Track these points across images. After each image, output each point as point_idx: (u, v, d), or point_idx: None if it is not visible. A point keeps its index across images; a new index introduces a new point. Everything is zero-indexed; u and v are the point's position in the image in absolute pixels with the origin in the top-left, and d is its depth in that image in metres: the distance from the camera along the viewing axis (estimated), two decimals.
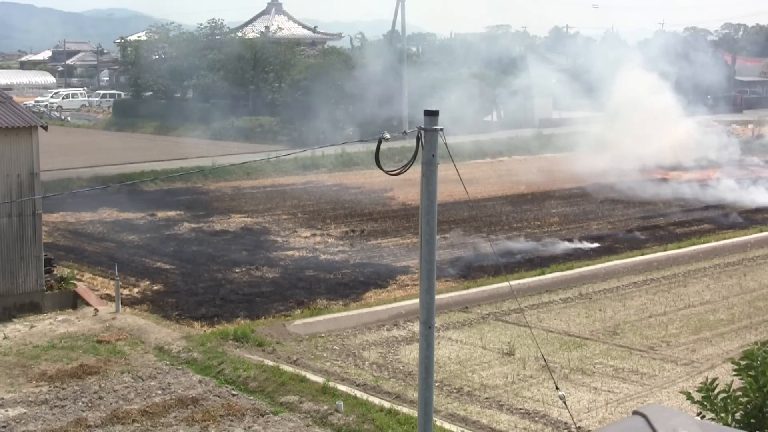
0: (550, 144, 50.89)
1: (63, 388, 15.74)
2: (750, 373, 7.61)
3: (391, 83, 54.32)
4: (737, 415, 7.61)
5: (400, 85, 54.74)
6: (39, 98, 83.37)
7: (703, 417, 7.60)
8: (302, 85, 56.78)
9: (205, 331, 19.03)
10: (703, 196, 36.70)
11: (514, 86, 57.83)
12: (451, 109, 45.71)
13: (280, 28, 76.45)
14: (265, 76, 62.57)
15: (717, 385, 7.74)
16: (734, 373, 7.83)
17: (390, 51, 59.13)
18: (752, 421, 7.54)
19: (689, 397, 7.90)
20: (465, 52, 65.62)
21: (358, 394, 15.25)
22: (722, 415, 7.59)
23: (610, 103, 48.53)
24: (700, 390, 7.79)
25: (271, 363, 16.68)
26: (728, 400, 7.62)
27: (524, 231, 29.71)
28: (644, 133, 43.99)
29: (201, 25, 69.46)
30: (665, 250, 26.80)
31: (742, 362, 7.73)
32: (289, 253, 26.56)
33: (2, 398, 15.28)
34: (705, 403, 7.71)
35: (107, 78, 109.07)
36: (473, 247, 26.94)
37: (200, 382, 16.11)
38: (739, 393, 7.61)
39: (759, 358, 7.65)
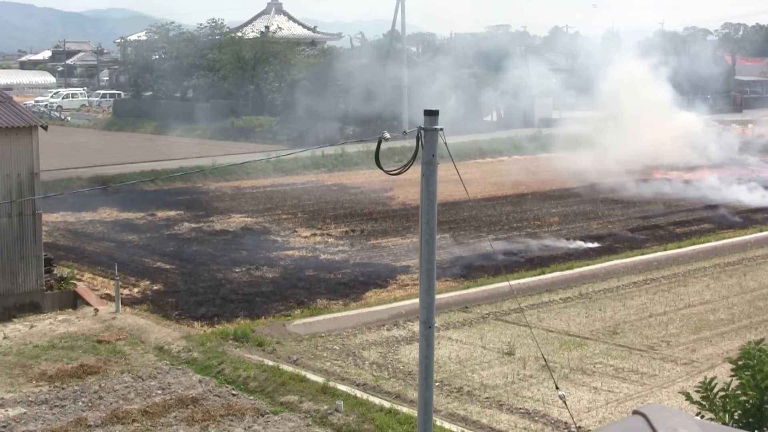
0: (549, 144, 50.87)
1: (63, 388, 15.74)
2: (746, 372, 7.61)
3: (390, 83, 54.32)
4: (736, 415, 7.62)
5: (399, 85, 54.71)
6: (39, 98, 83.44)
7: (702, 417, 7.60)
8: (302, 85, 56.82)
9: (205, 331, 19.03)
10: (702, 196, 36.68)
11: (513, 86, 57.82)
12: (448, 109, 45.79)
13: (280, 28, 76.44)
14: (265, 75, 62.58)
15: (715, 384, 7.74)
16: (732, 373, 7.83)
17: (390, 50, 59.15)
18: (750, 420, 7.55)
19: (688, 397, 7.91)
20: (463, 51, 65.69)
21: (358, 394, 15.26)
22: (721, 414, 7.60)
23: (606, 100, 48.54)
24: (698, 390, 7.79)
25: (271, 363, 16.68)
26: (726, 400, 7.63)
27: (524, 231, 29.72)
28: (641, 131, 44.03)
29: (201, 25, 69.49)
30: (665, 249, 26.80)
31: (739, 362, 7.74)
32: (289, 253, 26.57)
33: (2, 398, 15.29)
34: (704, 403, 7.71)
35: (107, 78, 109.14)
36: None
37: (200, 382, 16.11)
38: (738, 392, 7.62)
39: (755, 357, 7.65)
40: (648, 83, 47.24)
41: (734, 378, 7.77)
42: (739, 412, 7.61)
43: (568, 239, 28.23)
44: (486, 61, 63.31)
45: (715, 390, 7.70)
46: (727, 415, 7.60)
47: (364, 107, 53.29)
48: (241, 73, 62.80)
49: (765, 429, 7.52)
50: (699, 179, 40.30)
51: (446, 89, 55.66)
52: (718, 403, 7.65)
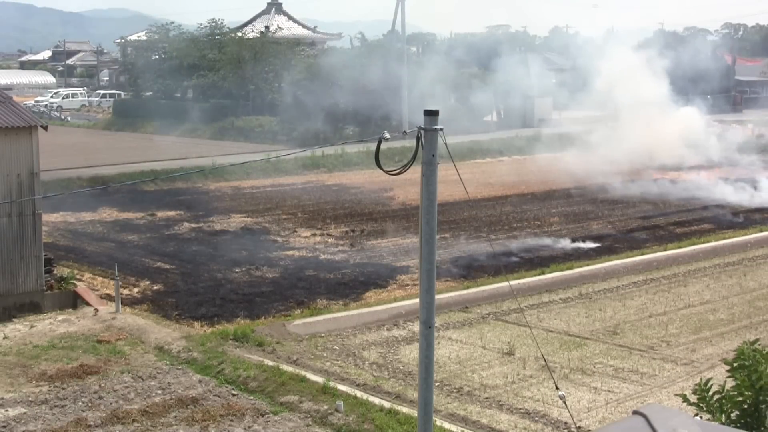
0: (548, 144, 50.82)
1: (63, 388, 15.75)
2: (742, 372, 7.61)
3: (391, 83, 54.29)
4: (733, 415, 7.62)
5: (393, 85, 54.64)
6: (39, 98, 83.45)
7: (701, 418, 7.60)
8: (302, 85, 56.83)
9: (205, 331, 19.03)
10: (701, 196, 36.66)
11: (513, 86, 57.77)
12: (446, 110, 45.70)
13: (280, 28, 76.47)
14: (265, 76, 62.59)
15: (711, 385, 7.74)
16: (728, 374, 7.83)
17: (391, 50, 59.13)
18: (748, 420, 7.55)
19: (685, 399, 7.91)
20: (462, 51, 65.69)
21: (358, 394, 15.26)
22: (718, 415, 7.59)
23: (604, 98, 48.51)
24: (695, 391, 7.79)
25: (271, 363, 16.69)
26: (723, 401, 7.62)
27: (524, 231, 29.72)
28: (640, 130, 44.03)
29: (201, 25, 69.53)
30: (665, 250, 26.80)
31: (735, 362, 7.73)
32: (289, 253, 26.57)
33: (2, 398, 15.29)
34: (701, 404, 7.71)
35: (107, 78, 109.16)
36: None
37: (200, 382, 16.11)
38: (733, 392, 7.62)
39: (750, 358, 7.64)
40: (646, 80, 47.17)
41: (730, 378, 7.77)
42: (736, 412, 7.61)
43: (568, 239, 28.23)
44: (485, 60, 63.26)
45: (711, 392, 7.70)
46: (724, 416, 7.60)
47: (361, 107, 53.26)
48: (241, 73, 62.81)
49: (762, 429, 7.52)
50: (698, 180, 40.26)
51: (444, 89, 55.63)
52: (714, 404, 7.65)
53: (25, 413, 14.68)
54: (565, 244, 27.63)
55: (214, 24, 68.40)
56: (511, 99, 59.67)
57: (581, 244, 27.56)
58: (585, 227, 30.58)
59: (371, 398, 15.09)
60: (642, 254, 26.19)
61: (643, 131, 44.26)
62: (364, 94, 52.59)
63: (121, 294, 20.80)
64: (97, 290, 22.05)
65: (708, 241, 28.02)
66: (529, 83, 60.20)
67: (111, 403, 15.08)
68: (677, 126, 46.33)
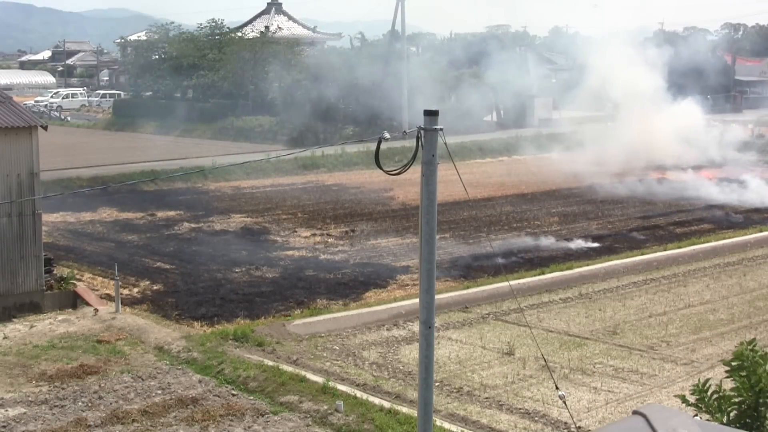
0: (548, 144, 50.84)
1: (63, 388, 15.75)
2: (741, 373, 7.59)
3: (390, 82, 54.28)
4: (731, 416, 7.60)
5: (399, 85, 54.65)
6: (39, 98, 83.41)
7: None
8: (302, 85, 56.82)
9: (205, 331, 19.04)
10: (700, 196, 36.65)
11: (513, 86, 57.78)
12: (447, 110, 45.73)
13: (280, 28, 76.46)
14: (264, 75, 62.64)
15: (710, 386, 7.73)
16: (726, 375, 7.81)
17: (390, 50, 59.16)
18: (747, 420, 7.53)
19: (684, 400, 7.90)
20: (461, 51, 65.73)
21: (358, 394, 15.26)
22: (717, 415, 7.58)
23: (603, 98, 48.52)
24: (693, 392, 7.78)
25: (271, 363, 16.69)
26: (721, 401, 7.61)
27: (524, 231, 29.72)
28: (639, 129, 44.05)
29: (201, 25, 69.56)
30: (665, 249, 26.80)
31: (733, 363, 7.72)
32: (289, 253, 26.57)
33: (2, 398, 15.29)
34: (700, 405, 7.70)
35: (107, 78, 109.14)
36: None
37: (200, 382, 16.11)
38: (732, 393, 7.60)
39: (749, 359, 7.62)
40: (644, 77, 47.17)
41: (728, 379, 7.75)
42: (735, 412, 7.60)
43: (567, 239, 28.23)
44: (485, 60, 63.29)
45: (710, 392, 7.69)
46: (724, 417, 7.59)
47: (360, 107, 53.25)
48: (241, 73, 62.80)
49: (762, 429, 7.51)
50: (698, 180, 40.24)
51: (444, 89, 55.62)
52: (713, 405, 7.63)
53: (25, 413, 14.69)
54: (565, 243, 27.63)
55: (214, 24, 68.43)
56: (511, 99, 59.66)
57: (581, 244, 27.56)
58: (584, 227, 30.59)
59: (371, 398, 15.09)
60: (642, 254, 26.19)
61: (642, 129, 44.27)
62: (363, 94, 52.61)
63: (121, 294, 20.81)
64: (97, 290, 22.05)
65: (708, 241, 28.02)
66: (528, 83, 60.23)
67: (111, 403, 15.08)
68: (677, 124, 46.31)
